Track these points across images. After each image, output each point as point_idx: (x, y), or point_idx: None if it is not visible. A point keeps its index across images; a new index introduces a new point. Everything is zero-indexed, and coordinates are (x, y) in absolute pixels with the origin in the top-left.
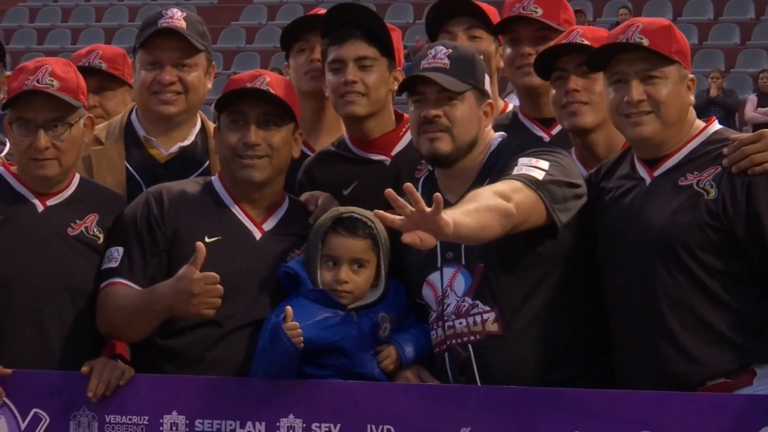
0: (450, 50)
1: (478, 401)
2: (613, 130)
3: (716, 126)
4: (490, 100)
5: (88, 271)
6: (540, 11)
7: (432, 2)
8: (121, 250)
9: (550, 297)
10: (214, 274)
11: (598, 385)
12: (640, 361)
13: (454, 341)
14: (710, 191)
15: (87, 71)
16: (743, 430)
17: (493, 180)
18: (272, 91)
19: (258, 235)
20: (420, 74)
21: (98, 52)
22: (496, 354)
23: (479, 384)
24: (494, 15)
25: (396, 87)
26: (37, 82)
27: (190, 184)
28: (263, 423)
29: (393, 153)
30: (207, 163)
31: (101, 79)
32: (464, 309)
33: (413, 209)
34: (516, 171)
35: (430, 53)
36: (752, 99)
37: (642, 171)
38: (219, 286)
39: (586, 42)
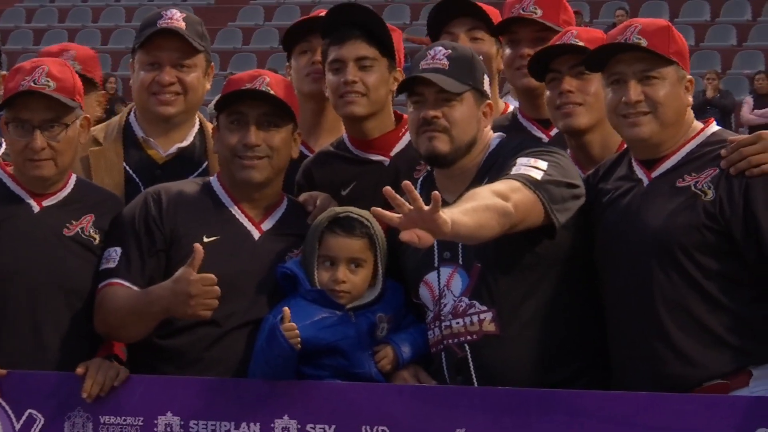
0: (449, 51)
1: (472, 402)
2: (608, 130)
3: (714, 127)
4: (489, 101)
5: (84, 272)
6: (540, 12)
7: (430, 4)
8: (119, 250)
9: (547, 297)
10: (211, 275)
11: (595, 386)
12: (636, 362)
13: (451, 341)
14: (708, 193)
15: None
16: (738, 431)
17: (492, 180)
18: (272, 92)
19: (257, 235)
20: (419, 75)
21: (73, 53)
22: (493, 354)
23: (476, 384)
24: (496, 16)
25: (396, 87)
26: (34, 82)
27: (189, 185)
28: (258, 424)
29: (392, 153)
30: (205, 163)
31: None
32: (461, 309)
33: (411, 207)
34: (514, 171)
35: (429, 54)
36: (748, 101)
37: (640, 172)
38: (216, 287)
39: (580, 43)
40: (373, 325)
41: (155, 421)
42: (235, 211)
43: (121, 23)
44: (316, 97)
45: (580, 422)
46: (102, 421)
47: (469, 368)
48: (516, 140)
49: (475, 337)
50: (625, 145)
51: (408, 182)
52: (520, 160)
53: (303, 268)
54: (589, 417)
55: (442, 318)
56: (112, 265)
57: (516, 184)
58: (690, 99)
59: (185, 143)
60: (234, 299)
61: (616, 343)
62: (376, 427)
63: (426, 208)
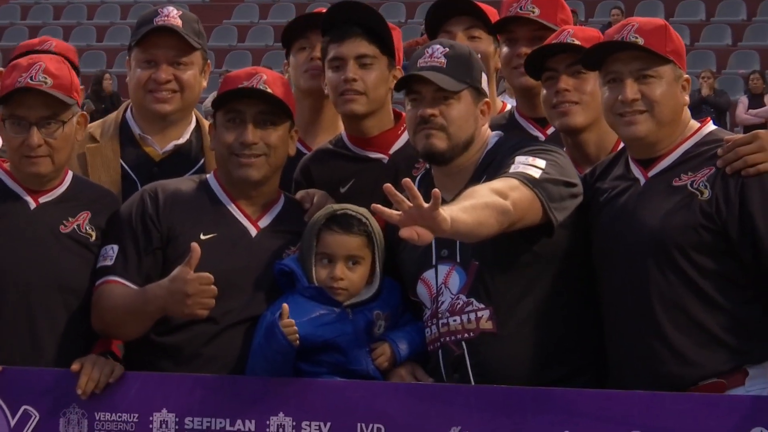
0: (447, 49)
1: (468, 400)
2: (604, 129)
3: (711, 127)
4: (487, 99)
5: (80, 269)
6: (537, 11)
7: (426, 2)
8: (116, 248)
9: (545, 296)
10: (208, 274)
11: (592, 385)
12: (633, 361)
13: (448, 339)
14: (704, 192)
15: None
16: (734, 430)
17: (490, 178)
18: (269, 90)
19: (254, 232)
20: (416, 73)
21: (52, 44)
22: (489, 352)
23: (473, 381)
24: (494, 15)
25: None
26: (31, 79)
27: (186, 182)
28: (253, 421)
29: (391, 151)
30: (202, 161)
31: None
32: (459, 306)
33: (411, 204)
34: (513, 169)
35: (427, 52)
36: (743, 101)
37: (636, 171)
38: (213, 286)
39: (576, 42)
40: (370, 322)
41: (150, 418)
42: (232, 208)
43: (116, 20)
44: (314, 93)
45: (576, 421)
46: (97, 417)
47: (466, 366)
48: (514, 139)
49: (472, 334)
50: (621, 144)
51: (408, 179)
52: (519, 159)
53: (301, 265)
54: (585, 416)
55: (440, 316)
56: (108, 262)
57: (514, 182)
58: (686, 98)
59: (182, 140)
60: (231, 296)
61: (613, 341)
62: (371, 425)
63: (426, 205)
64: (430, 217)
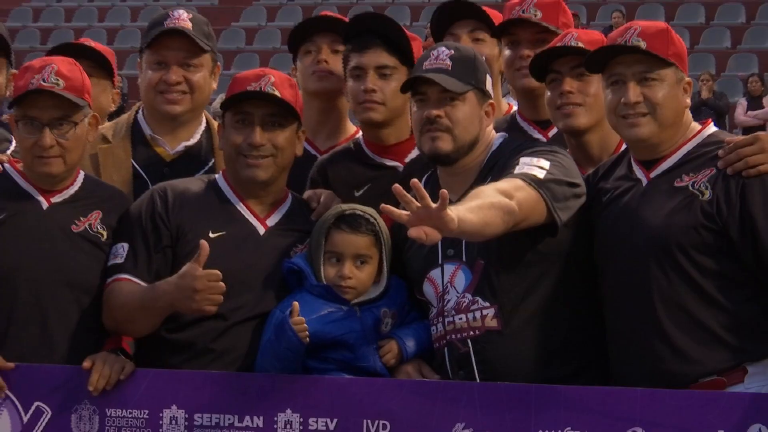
0: (452, 51)
1: (472, 397)
2: (606, 131)
3: (712, 128)
4: (492, 101)
5: (91, 268)
6: (539, 14)
7: (430, 5)
8: (126, 246)
9: (548, 294)
10: (216, 271)
11: (595, 382)
12: (634, 358)
13: (453, 336)
14: (705, 192)
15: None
16: (734, 427)
17: (495, 178)
18: (277, 93)
19: (262, 230)
20: (422, 75)
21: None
22: (494, 349)
23: (478, 379)
24: (498, 18)
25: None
26: (43, 81)
27: (195, 182)
28: (261, 417)
29: (406, 160)
30: (212, 161)
31: None
32: (464, 305)
33: (419, 205)
34: (518, 170)
35: (433, 54)
36: (742, 103)
37: (639, 172)
38: (221, 283)
39: (581, 45)
40: (377, 320)
41: (160, 414)
42: (241, 207)
43: (126, 23)
44: (322, 95)
45: (578, 418)
46: (108, 413)
47: (472, 363)
48: (518, 140)
49: (477, 332)
50: (624, 145)
51: (416, 180)
52: (523, 159)
53: (309, 263)
54: (587, 412)
55: (446, 314)
56: (119, 260)
57: (519, 182)
58: (688, 100)
59: (192, 141)
60: (240, 293)
61: (615, 339)
62: (377, 422)
63: (434, 206)
64: (438, 217)
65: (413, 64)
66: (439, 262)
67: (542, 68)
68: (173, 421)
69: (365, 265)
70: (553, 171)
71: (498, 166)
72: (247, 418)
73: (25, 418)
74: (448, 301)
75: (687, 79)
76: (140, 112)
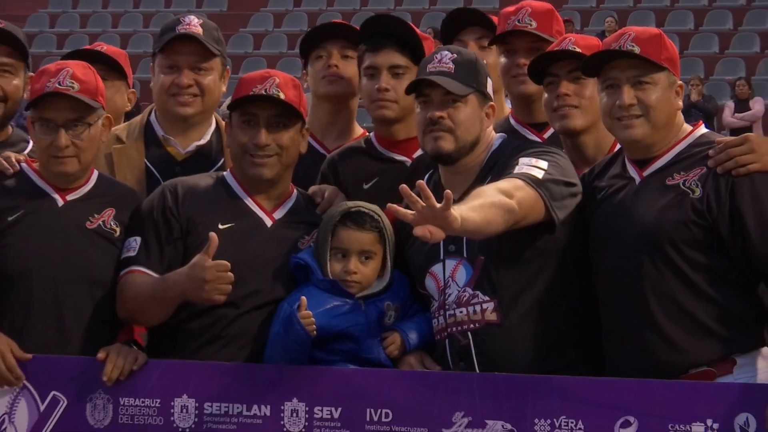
0: (455, 55)
1: (471, 387)
2: (601, 132)
3: (702, 129)
4: (492, 103)
5: (105, 263)
6: (534, 24)
7: (431, 12)
8: (138, 239)
9: (546, 289)
10: (225, 262)
11: (590, 373)
12: (628, 350)
13: (454, 329)
14: (696, 190)
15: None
16: (722, 416)
17: (494, 178)
18: (281, 95)
19: (269, 222)
20: (426, 78)
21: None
22: (494, 341)
23: (477, 370)
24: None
25: None
26: (59, 84)
27: (204, 178)
28: (268, 406)
29: (414, 156)
30: (222, 160)
31: None
32: (465, 299)
33: (424, 204)
34: (517, 170)
35: (436, 58)
36: (729, 105)
37: (632, 171)
38: (230, 273)
39: (577, 49)
40: (381, 313)
41: (172, 403)
42: (249, 201)
43: (139, 28)
44: (332, 98)
45: (574, 407)
46: (121, 402)
47: (472, 355)
48: (517, 140)
49: (477, 325)
50: (618, 146)
51: (421, 181)
52: (522, 160)
53: (316, 258)
54: (581, 402)
55: (447, 307)
56: (132, 253)
57: (519, 182)
58: (680, 103)
59: (203, 141)
60: (249, 282)
61: (609, 332)
62: (380, 410)
63: (438, 205)
64: (442, 217)
65: None
66: (441, 257)
67: (540, 71)
68: (184, 410)
69: (370, 260)
70: (551, 171)
71: (498, 165)
72: (255, 407)
73: (42, 407)
74: (450, 295)
75: (679, 82)
76: (152, 113)
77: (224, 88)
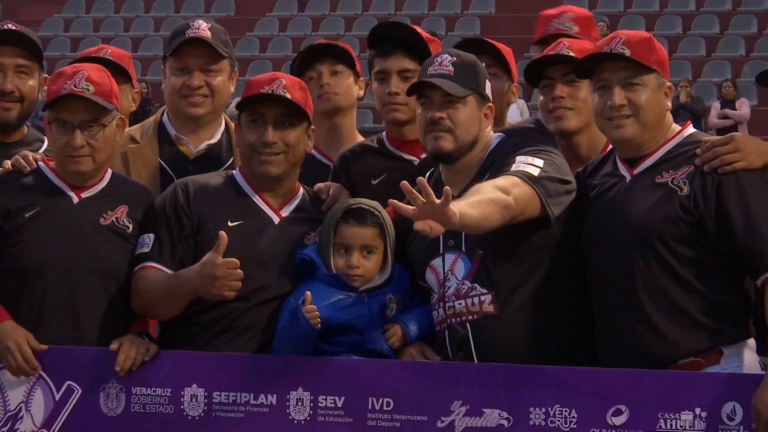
0: (454, 58)
1: (469, 377)
2: (595, 132)
3: (690, 129)
4: (490, 104)
5: (118, 258)
6: (576, 29)
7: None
8: (152, 236)
9: (541, 282)
10: (235, 260)
11: (583, 364)
12: (619, 342)
13: (453, 320)
14: (683, 188)
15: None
16: (710, 405)
17: (493, 175)
18: (288, 95)
19: (276, 219)
20: (426, 80)
21: (107, 51)
22: (491, 332)
23: (476, 359)
24: (509, 54)
25: None
26: (74, 86)
27: (214, 177)
28: (275, 395)
29: (423, 156)
30: (231, 159)
31: None
32: (463, 291)
33: (425, 200)
34: (514, 168)
35: (437, 61)
36: (716, 106)
37: (623, 169)
38: (239, 270)
39: (571, 53)
40: (383, 305)
41: (182, 392)
42: (257, 199)
43: (149, 32)
44: (330, 114)
45: (567, 396)
46: (134, 392)
47: (470, 345)
48: (514, 140)
49: (475, 317)
50: (611, 146)
51: (422, 178)
52: (519, 158)
53: (320, 254)
54: (575, 391)
55: (446, 299)
56: (146, 249)
57: (516, 179)
58: (669, 104)
59: (213, 140)
60: (258, 276)
61: (601, 324)
62: (381, 399)
63: (438, 201)
64: (442, 212)
65: None
66: (441, 251)
67: (536, 75)
68: (194, 399)
69: (371, 254)
70: (546, 169)
71: (496, 164)
72: (262, 396)
73: (57, 396)
74: (449, 287)
75: (668, 84)
76: (165, 114)
77: (233, 89)
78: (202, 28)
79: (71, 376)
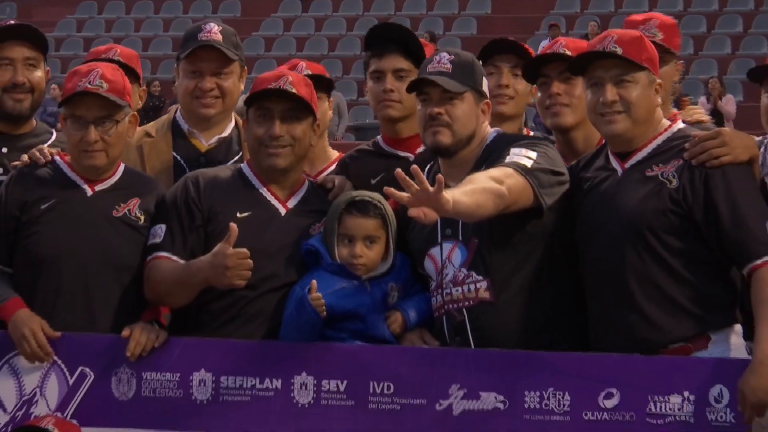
0: (452, 57)
1: (466, 362)
2: (590, 128)
3: (680, 124)
4: (487, 100)
5: (130, 249)
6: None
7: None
8: (164, 227)
9: (535, 270)
10: (245, 250)
11: (575, 349)
12: (611, 328)
13: (451, 306)
14: (673, 181)
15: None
16: (698, 388)
17: (489, 168)
18: (294, 90)
19: (283, 211)
20: (426, 77)
21: (117, 51)
22: (487, 318)
23: (472, 344)
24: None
25: None
26: (89, 83)
27: (223, 170)
28: (279, 380)
29: (417, 152)
30: (240, 153)
31: None
32: (460, 278)
33: (419, 188)
34: (508, 159)
35: (435, 59)
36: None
37: (615, 163)
38: (249, 260)
39: (567, 52)
40: (385, 293)
41: (190, 377)
42: (264, 191)
43: (159, 33)
44: None
45: (561, 380)
46: (144, 377)
47: (467, 330)
48: (510, 135)
49: (472, 303)
50: (604, 140)
51: (416, 166)
52: (513, 151)
53: (324, 244)
54: (568, 375)
55: (444, 286)
56: (158, 240)
57: (509, 170)
58: (659, 100)
59: (224, 135)
60: (266, 266)
61: (593, 311)
62: (382, 383)
63: (431, 189)
64: (435, 199)
65: None
66: (439, 240)
67: (534, 73)
68: (202, 384)
69: (374, 244)
70: (539, 161)
71: (491, 157)
72: (267, 380)
73: (71, 381)
74: (447, 275)
75: (658, 81)
76: (178, 111)
77: (242, 87)
78: (214, 31)
79: (84, 362)
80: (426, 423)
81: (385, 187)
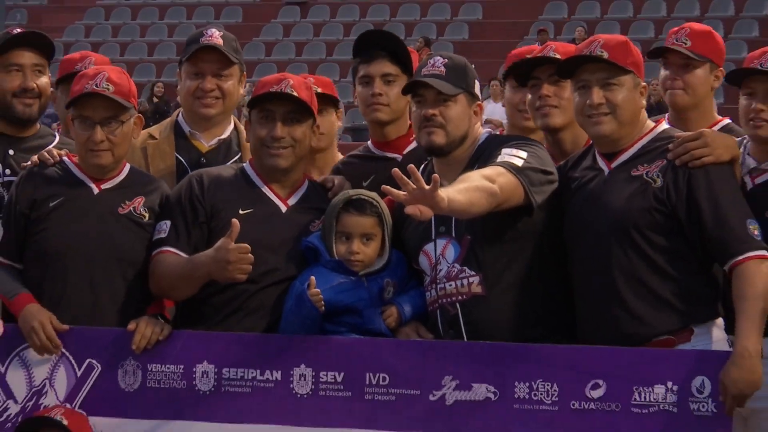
0: (446, 60)
1: (459, 354)
2: (578, 129)
3: (664, 126)
4: (480, 102)
5: (135, 245)
6: (689, 43)
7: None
8: (168, 223)
9: (526, 266)
10: (246, 245)
11: (564, 341)
12: (597, 322)
13: (444, 300)
14: (657, 180)
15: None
16: (681, 379)
17: (481, 167)
18: (295, 93)
19: (284, 208)
20: (420, 80)
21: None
22: (479, 312)
23: (465, 337)
24: None
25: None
26: (96, 85)
27: (226, 169)
28: (279, 371)
29: (404, 152)
30: (240, 154)
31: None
32: (454, 273)
33: (415, 186)
34: (500, 159)
35: (430, 62)
36: None
37: (601, 163)
38: (250, 255)
39: (557, 56)
40: (381, 288)
41: (194, 369)
42: (265, 189)
43: (164, 38)
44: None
45: (550, 371)
46: (149, 368)
47: (460, 324)
48: (501, 136)
49: (464, 297)
50: (591, 141)
51: (412, 165)
52: (505, 150)
53: (323, 242)
54: (557, 367)
55: (438, 281)
56: (163, 235)
57: (501, 169)
58: (644, 102)
59: (224, 136)
60: (267, 261)
61: (581, 305)
62: (378, 375)
63: (427, 187)
64: (431, 197)
65: (412, 73)
66: (433, 237)
67: (524, 75)
68: (205, 375)
69: (371, 241)
70: (530, 160)
71: (484, 157)
72: (268, 372)
73: (79, 372)
74: (440, 270)
75: (643, 84)
76: (180, 114)
77: (242, 91)
78: (215, 36)
79: (92, 354)
80: (420, 413)
81: (383, 186)
